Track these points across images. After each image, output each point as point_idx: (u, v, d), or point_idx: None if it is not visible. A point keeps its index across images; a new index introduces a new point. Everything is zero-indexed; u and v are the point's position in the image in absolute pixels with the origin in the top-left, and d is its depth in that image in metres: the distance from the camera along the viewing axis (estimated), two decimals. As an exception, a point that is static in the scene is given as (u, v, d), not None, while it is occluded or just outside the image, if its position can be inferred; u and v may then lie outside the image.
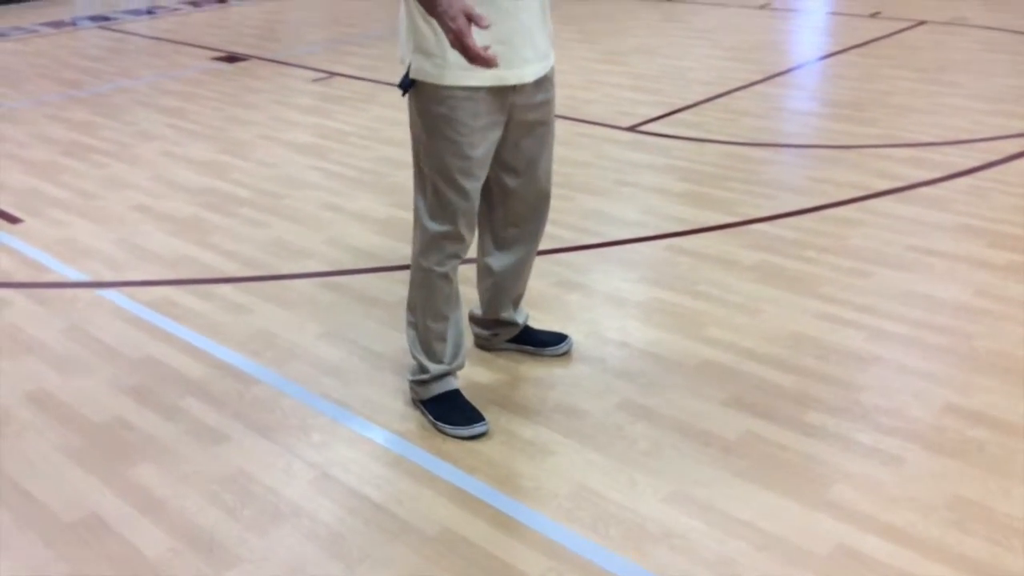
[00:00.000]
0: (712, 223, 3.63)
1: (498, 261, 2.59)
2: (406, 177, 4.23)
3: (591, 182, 4.11)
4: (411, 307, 2.48)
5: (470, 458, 2.32)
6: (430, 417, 2.46)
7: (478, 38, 1.94)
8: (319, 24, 8.18)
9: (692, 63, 6.10)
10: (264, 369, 2.75)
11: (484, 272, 2.64)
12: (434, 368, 2.45)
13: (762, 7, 7.78)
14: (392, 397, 2.59)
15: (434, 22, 2.02)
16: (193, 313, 3.09)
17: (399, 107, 5.36)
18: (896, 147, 4.36)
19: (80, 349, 2.89)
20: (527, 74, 2.23)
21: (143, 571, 2.00)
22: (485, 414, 2.45)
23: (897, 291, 3.04)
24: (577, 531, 2.06)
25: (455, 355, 2.49)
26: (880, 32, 6.68)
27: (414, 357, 2.49)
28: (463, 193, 2.29)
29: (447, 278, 2.41)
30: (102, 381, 2.71)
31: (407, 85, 2.23)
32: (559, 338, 2.78)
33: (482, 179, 2.33)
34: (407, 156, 4.51)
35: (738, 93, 5.34)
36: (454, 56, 2.06)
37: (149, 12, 8.92)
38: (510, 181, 2.42)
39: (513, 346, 2.78)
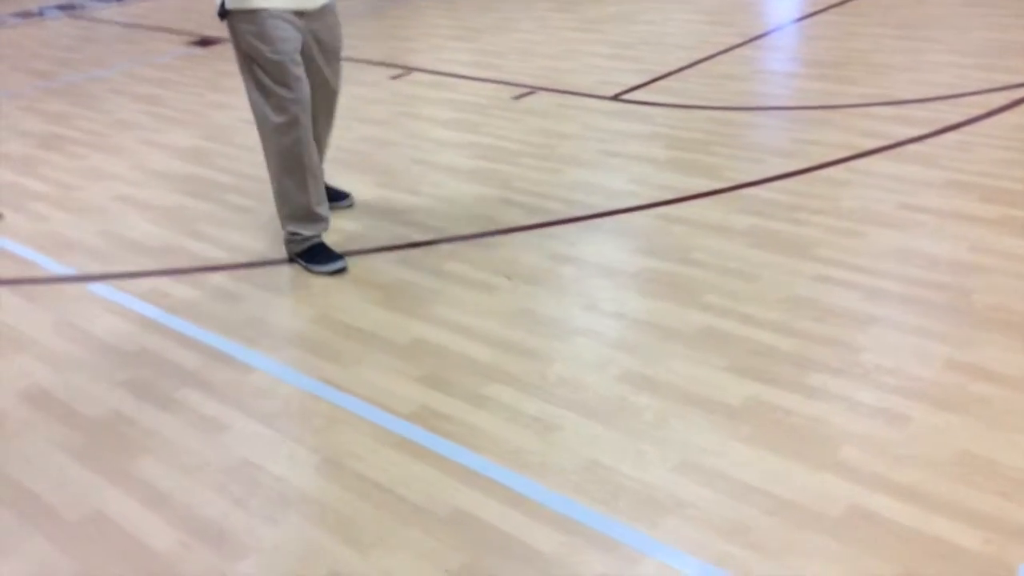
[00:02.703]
0: (702, 190, 3.61)
1: None
2: (388, 156, 4.19)
3: (577, 153, 4.08)
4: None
5: (476, 436, 2.31)
6: (302, 263, 3.18)
7: None
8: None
9: (671, 29, 6.05)
10: (261, 356, 2.72)
11: None
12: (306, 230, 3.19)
13: (738, -31, 7.73)
14: (392, 378, 2.57)
15: None
16: (185, 303, 3.05)
17: (378, 85, 5.30)
18: (881, 105, 4.35)
19: (72, 344, 2.85)
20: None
21: (154, 566, 1.98)
22: (486, 392, 2.45)
23: (891, 249, 3.04)
24: (588, 505, 2.05)
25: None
26: (858, -10, 6.64)
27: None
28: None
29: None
30: (97, 376, 2.68)
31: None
32: (344, 194, 3.63)
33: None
34: (389, 134, 4.49)
35: (719, 57, 5.31)
36: None
37: (117, -2, 8.76)
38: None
39: None
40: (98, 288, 3.19)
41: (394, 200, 3.73)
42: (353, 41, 6.34)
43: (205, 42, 6.65)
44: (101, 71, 6.12)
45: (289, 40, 2.97)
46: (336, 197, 3.61)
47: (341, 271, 3.14)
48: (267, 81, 2.98)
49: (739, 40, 5.63)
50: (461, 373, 2.57)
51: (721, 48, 5.47)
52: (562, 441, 2.27)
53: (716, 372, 2.48)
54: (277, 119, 3.02)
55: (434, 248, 3.31)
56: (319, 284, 3.11)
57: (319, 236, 3.22)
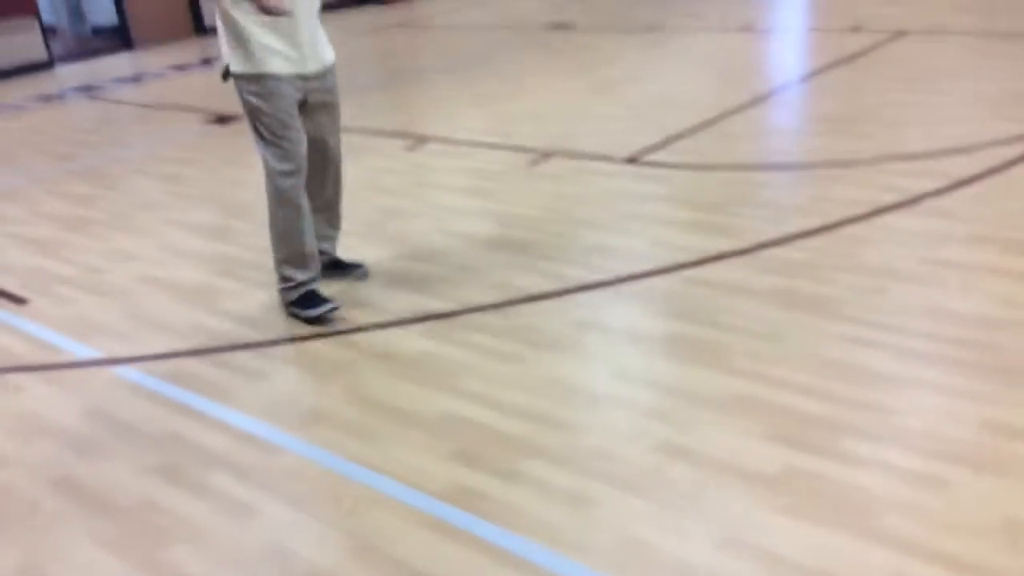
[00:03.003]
0: (723, 250, 3.62)
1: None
2: (407, 226, 4.23)
3: (595, 217, 4.10)
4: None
5: (510, 514, 2.28)
6: (296, 310, 3.40)
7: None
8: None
9: (680, 89, 6.13)
10: (288, 436, 2.71)
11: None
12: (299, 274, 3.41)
13: (743, 29, 7.85)
14: (423, 455, 2.55)
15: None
16: (211, 383, 3.06)
17: (393, 156, 5.37)
18: (895, 160, 4.37)
19: (101, 430, 2.85)
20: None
21: (189, 660, 1.95)
22: (519, 466, 2.44)
23: (917, 306, 3.02)
24: (628, 583, 2.02)
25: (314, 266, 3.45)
26: (863, 46, 6.73)
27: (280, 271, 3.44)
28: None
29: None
30: (127, 462, 2.67)
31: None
32: (357, 265, 3.73)
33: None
34: (406, 204, 4.54)
35: (731, 117, 5.36)
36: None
37: (136, 79, 8.96)
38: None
39: (324, 272, 3.58)
40: (125, 371, 3.20)
41: (414, 271, 3.75)
42: (366, 112, 6.46)
43: (222, 119, 6.77)
44: (122, 152, 6.23)
45: (287, 98, 3.25)
46: (349, 268, 3.72)
47: (334, 309, 3.38)
48: (267, 134, 3.28)
49: (749, 99, 5.68)
50: (492, 447, 2.55)
51: (732, 107, 5.53)
52: (599, 516, 2.24)
53: (751, 439, 2.45)
54: (279, 166, 3.30)
55: (457, 319, 3.31)
56: (344, 359, 3.11)
57: (312, 283, 3.42)
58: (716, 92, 5.94)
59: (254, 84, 3.22)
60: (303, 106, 3.33)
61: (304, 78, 3.28)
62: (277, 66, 3.20)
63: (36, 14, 9.75)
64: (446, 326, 3.27)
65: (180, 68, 9.17)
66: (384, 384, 2.94)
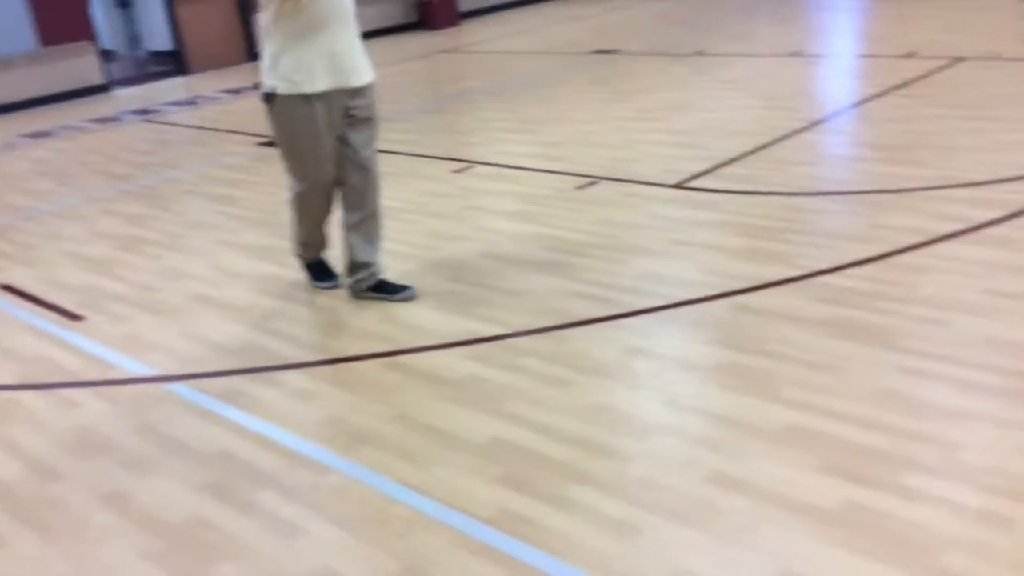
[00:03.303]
0: (775, 278, 3.57)
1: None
2: (456, 249, 4.23)
3: (644, 243, 4.07)
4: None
5: (558, 541, 2.25)
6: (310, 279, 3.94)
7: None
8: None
9: (730, 115, 6.09)
10: (336, 456, 2.71)
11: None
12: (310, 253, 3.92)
13: (792, 55, 7.79)
14: (471, 479, 2.53)
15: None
16: (261, 402, 3.07)
17: (442, 180, 5.40)
18: (952, 188, 4.28)
19: (152, 447, 2.88)
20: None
21: None
22: (567, 493, 2.41)
23: (980, 338, 2.94)
24: (680, 615, 1.97)
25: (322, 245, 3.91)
26: (917, 72, 6.63)
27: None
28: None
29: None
30: (177, 479, 2.69)
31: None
32: (403, 288, 3.79)
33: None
34: (455, 228, 4.54)
35: (783, 143, 5.30)
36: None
37: (190, 103, 9.15)
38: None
39: (372, 294, 3.77)
40: (178, 388, 3.23)
41: (462, 294, 3.75)
42: (415, 136, 6.51)
43: (272, 143, 6.85)
44: (176, 172, 6.34)
45: (319, 115, 3.42)
46: (396, 290, 3.77)
47: (335, 287, 3.88)
48: (294, 150, 3.54)
49: (801, 125, 5.63)
50: (540, 473, 2.52)
51: (783, 133, 5.48)
52: (648, 546, 2.20)
53: (806, 472, 2.40)
54: (301, 182, 3.61)
55: (505, 342, 3.30)
56: (392, 381, 3.11)
57: (319, 257, 3.96)
58: (766, 118, 5.90)
59: (291, 105, 3.38)
60: (340, 121, 3.49)
61: (341, 93, 3.43)
62: (315, 84, 3.36)
63: (93, 39, 10.01)
64: (494, 349, 3.26)
65: (233, 92, 9.34)
66: (432, 406, 2.93)
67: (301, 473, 2.65)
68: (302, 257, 3.96)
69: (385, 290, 3.76)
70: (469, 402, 2.93)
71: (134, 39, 12.92)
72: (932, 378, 2.75)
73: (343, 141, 3.54)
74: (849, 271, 3.53)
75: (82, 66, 9.93)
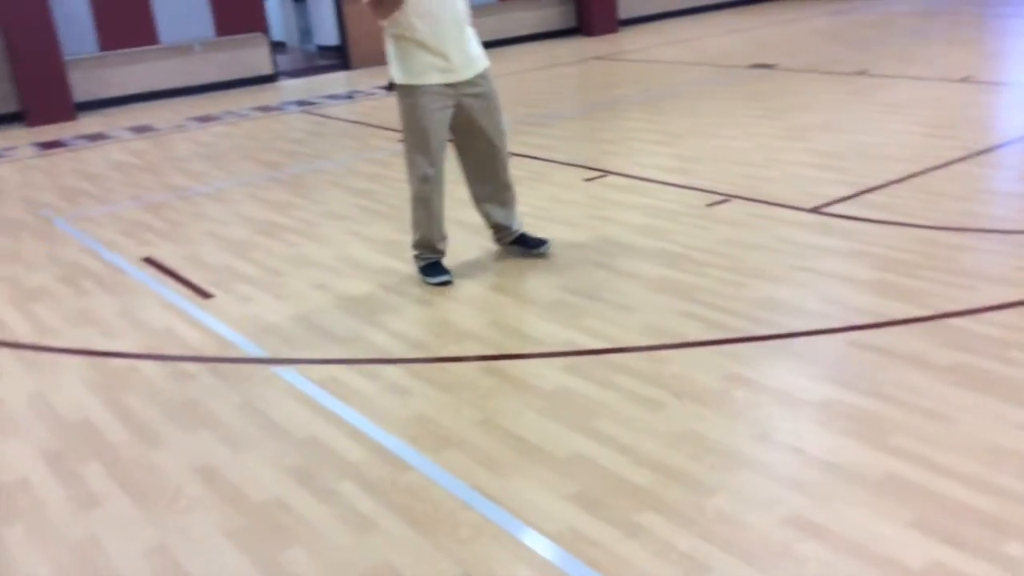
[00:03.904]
0: (902, 316, 3.34)
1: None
2: (574, 258, 4.19)
3: (767, 267, 3.91)
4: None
5: (621, 568, 2.18)
6: (421, 275, 4.06)
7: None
8: (502, 106, 8.40)
9: (884, 139, 5.77)
10: (419, 456, 2.74)
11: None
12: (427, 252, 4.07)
13: (963, 80, 7.31)
14: (545, 494, 2.49)
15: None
16: (358, 393, 3.14)
17: (571, 187, 5.37)
18: (1122, 233, 3.90)
19: (250, 426, 2.99)
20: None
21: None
22: (638, 519, 2.34)
23: (1122, 403, 2.66)
24: (733, 663, 1.87)
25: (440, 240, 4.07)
26: (1103, 104, 6.08)
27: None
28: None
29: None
30: (267, 460, 2.78)
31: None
32: (541, 242, 4.21)
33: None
34: (577, 237, 4.51)
35: (936, 172, 4.98)
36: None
37: (348, 97, 9.50)
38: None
39: (514, 247, 4.24)
40: (283, 371, 3.35)
41: (570, 303, 3.71)
42: (554, 142, 6.51)
43: (418, 139, 7.03)
44: (323, 164, 6.60)
45: (435, 112, 3.79)
46: (533, 243, 4.23)
47: (447, 283, 3.97)
48: (413, 139, 3.85)
49: (961, 155, 5.27)
50: (615, 495, 2.46)
51: (939, 162, 5.14)
52: (713, 585, 2.10)
53: (897, 527, 2.23)
54: (418, 170, 3.88)
55: (604, 357, 3.24)
56: (486, 385, 3.12)
57: (436, 258, 4.08)
58: (923, 145, 5.55)
59: (410, 94, 3.79)
60: (460, 110, 3.84)
61: (455, 85, 3.79)
62: (429, 78, 3.74)
63: (266, 31, 10.55)
64: (592, 363, 3.21)
65: (388, 89, 9.61)
66: (520, 415, 2.91)
67: (382, 468, 2.69)
68: (421, 258, 4.08)
69: (525, 243, 4.22)
70: (557, 414, 2.89)
71: (305, 33, 13.56)
72: (1059, 441, 2.51)
73: (468, 122, 3.89)
74: (983, 315, 3.27)
75: (253, 56, 10.49)
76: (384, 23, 3.74)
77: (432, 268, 4.07)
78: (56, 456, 2.90)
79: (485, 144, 3.99)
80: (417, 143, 3.85)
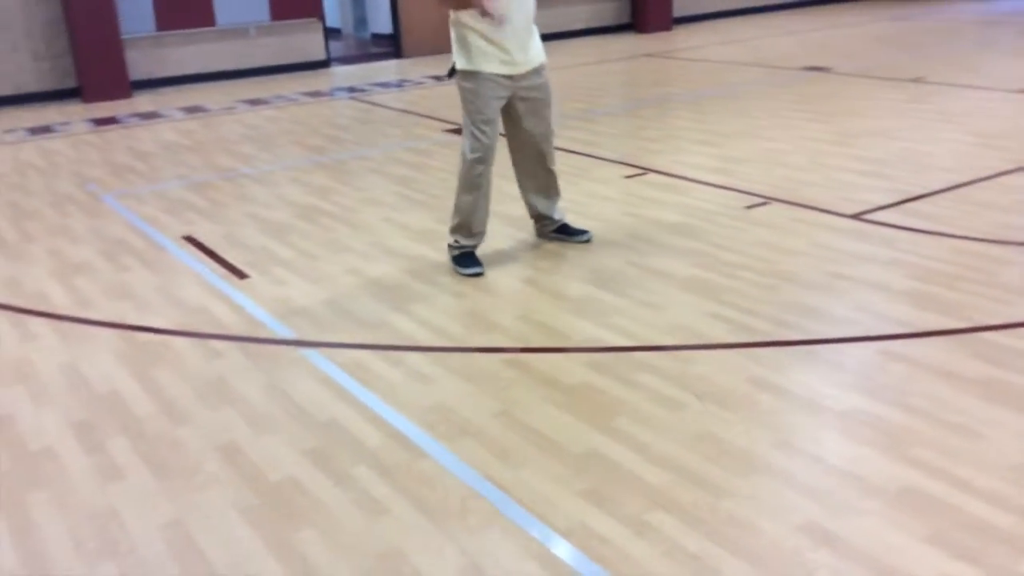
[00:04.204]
0: (935, 327, 3.28)
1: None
2: (603, 255, 4.18)
3: (801, 272, 3.85)
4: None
5: (628, 566, 2.17)
6: (454, 266, 4.11)
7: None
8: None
9: (933, 148, 5.65)
10: (435, 443, 2.75)
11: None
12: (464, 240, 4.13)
13: (1021, 91, 7.12)
14: (556, 487, 2.49)
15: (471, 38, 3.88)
16: (380, 379, 3.17)
17: (610, 183, 5.34)
18: None
19: (273, 406, 3.03)
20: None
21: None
22: (649, 518, 2.33)
23: None
24: (731, 668, 1.86)
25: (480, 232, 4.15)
26: None
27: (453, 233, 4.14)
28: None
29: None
30: (286, 440, 2.82)
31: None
32: (582, 231, 4.38)
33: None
34: (610, 234, 4.49)
35: (983, 183, 4.87)
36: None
37: (397, 85, 9.56)
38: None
39: (555, 235, 4.39)
40: (310, 354, 3.39)
41: (598, 299, 3.70)
42: (599, 138, 6.49)
43: (458, 131, 7.04)
44: (366, 151, 6.65)
45: (492, 99, 3.92)
46: (574, 233, 4.38)
47: (478, 275, 4.02)
48: (470, 122, 3.95)
49: (1010, 167, 5.14)
50: (627, 493, 2.45)
51: (987, 173, 5.02)
52: (718, 589, 2.08)
53: (911, 540, 2.19)
54: (472, 153, 3.97)
55: (627, 355, 3.22)
56: (508, 377, 3.12)
57: (471, 249, 4.12)
58: (972, 155, 5.43)
59: (470, 79, 3.92)
60: (514, 102, 3.99)
61: (513, 77, 3.93)
62: (489, 67, 3.87)
63: (321, 17, 10.65)
64: (615, 360, 3.19)
65: (437, 79, 9.66)
66: (539, 409, 2.91)
67: (398, 453, 2.71)
68: (457, 247, 4.12)
69: (566, 232, 4.37)
70: (576, 410, 2.89)
71: (361, 20, 13.66)
72: (1088, 463, 2.44)
73: (521, 114, 4.02)
74: (1019, 330, 3.19)
75: (307, 42, 10.59)
76: (452, 15, 3.90)
77: (465, 259, 4.11)
78: (83, 426, 2.97)
79: (535, 137, 4.10)
80: (474, 127, 3.95)
